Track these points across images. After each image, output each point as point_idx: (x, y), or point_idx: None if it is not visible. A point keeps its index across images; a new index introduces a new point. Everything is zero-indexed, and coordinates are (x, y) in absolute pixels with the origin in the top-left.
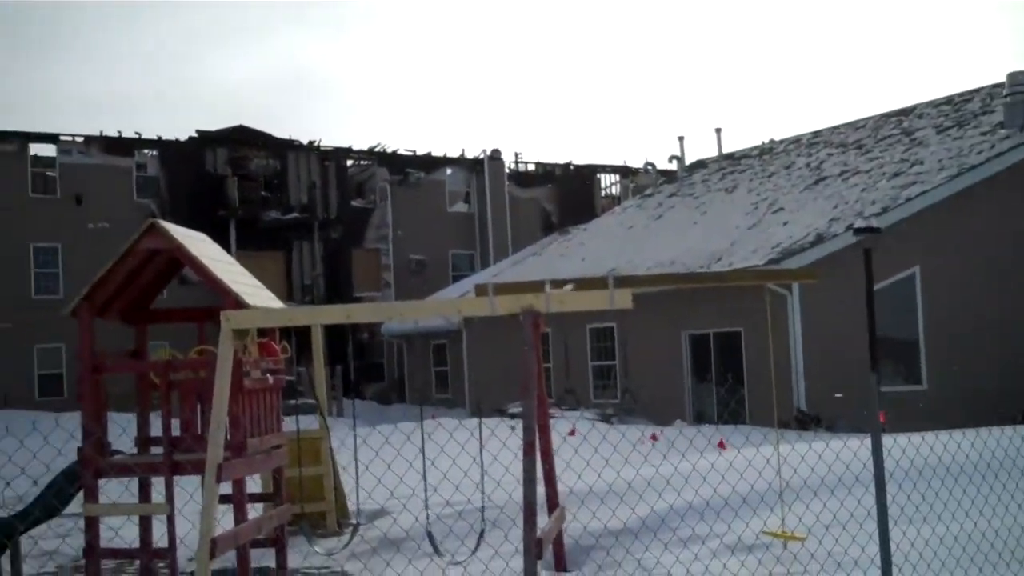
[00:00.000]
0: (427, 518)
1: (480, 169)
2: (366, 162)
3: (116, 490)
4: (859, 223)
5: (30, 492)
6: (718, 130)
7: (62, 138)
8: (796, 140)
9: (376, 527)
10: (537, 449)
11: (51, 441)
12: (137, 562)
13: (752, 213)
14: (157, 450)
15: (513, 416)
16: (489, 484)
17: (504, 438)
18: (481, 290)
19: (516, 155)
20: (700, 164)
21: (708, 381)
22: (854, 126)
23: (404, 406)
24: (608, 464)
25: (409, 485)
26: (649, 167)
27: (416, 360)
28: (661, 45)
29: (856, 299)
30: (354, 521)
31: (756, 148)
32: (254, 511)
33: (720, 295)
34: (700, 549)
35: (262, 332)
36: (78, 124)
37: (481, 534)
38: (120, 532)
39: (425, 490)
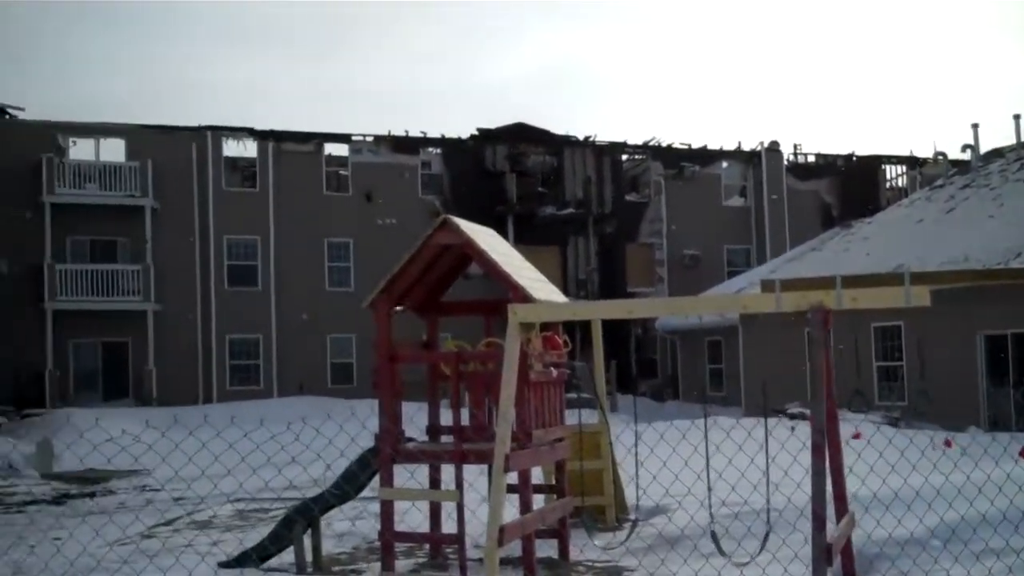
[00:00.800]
0: (710, 517)
1: (757, 162)
2: (640, 156)
3: (406, 476)
4: None
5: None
6: (1016, 117)
7: (354, 138)
8: None
9: (654, 524)
10: (826, 452)
11: (354, 427)
12: (427, 546)
13: None
14: (446, 439)
15: (793, 416)
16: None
17: (784, 439)
18: (767, 286)
19: (795, 146)
20: (997, 153)
21: (1005, 385)
22: None
23: (678, 403)
24: (915, 469)
25: (686, 484)
26: (939, 157)
27: (690, 356)
28: (953, 29)
29: None
30: (632, 517)
31: None
32: (536, 502)
33: (1021, 293)
34: (994, 564)
35: (545, 326)
36: (368, 124)
37: (766, 536)
38: (408, 516)
39: (708, 489)
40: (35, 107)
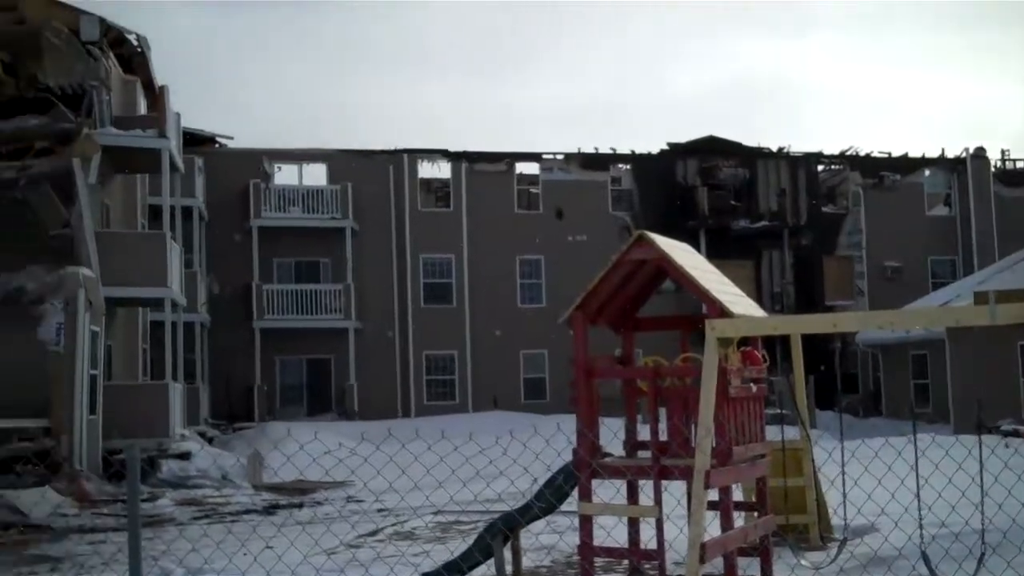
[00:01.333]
0: (921, 537)
1: (962, 169)
2: (837, 166)
3: (606, 491)
4: None
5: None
6: None
7: (544, 156)
8: None
9: (864, 543)
10: None
11: (559, 442)
12: (626, 562)
13: None
14: (644, 454)
15: (1007, 434)
16: (989, 507)
17: (1007, 457)
18: (980, 298)
19: (1003, 152)
20: None
21: None
22: None
23: (879, 419)
24: None
25: (900, 502)
26: None
27: (892, 371)
28: None
29: None
30: (838, 536)
31: None
32: (736, 520)
33: None
34: None
35: (743, 340)
36: (558, 141)
37: (981, 558)
38: (611, 532)
39: (919, 508)
40: (242, 136)
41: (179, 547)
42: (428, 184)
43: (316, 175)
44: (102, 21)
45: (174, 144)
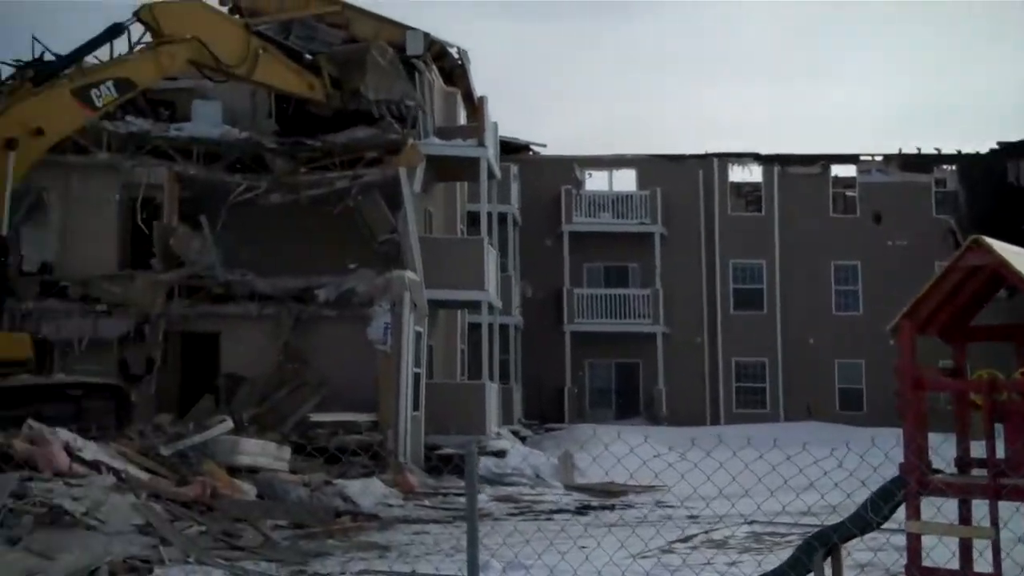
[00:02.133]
0: None
1: None
2: None
3: (934, 510)
4: None
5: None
6: None
7: (862, 158)
8: None
9: None
10: None
11: (890, 456)
12: None
13: None
14: (978, 472)
15: None
16: None
17: None
18: None
19: None
20: None
21: None
22: None
23: None
24: None
25: None
26: None
27: None
28: None
29: None
30: None
31: None
32: None
33: None
34: None
35: None
36: (876, 143)
37: None
38: (935, 552)
39: None
40: (555, 143)
41: (509, 541)
42: (739, 188)
43: (626, 181)
44: (426, 36)
45: (492, 153)
